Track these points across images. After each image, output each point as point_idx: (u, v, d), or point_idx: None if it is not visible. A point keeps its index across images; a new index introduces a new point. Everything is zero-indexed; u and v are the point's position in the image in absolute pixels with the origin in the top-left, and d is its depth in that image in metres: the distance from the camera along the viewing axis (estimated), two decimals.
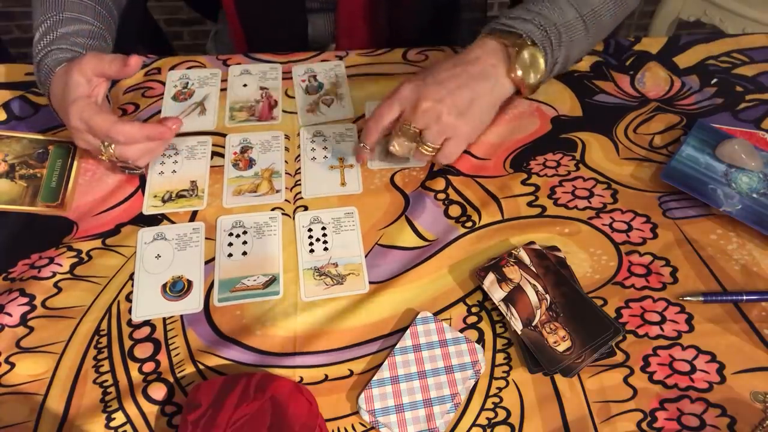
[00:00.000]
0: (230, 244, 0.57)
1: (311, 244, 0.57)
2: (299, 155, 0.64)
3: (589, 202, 0.60)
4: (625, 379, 0.49)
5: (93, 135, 0.56)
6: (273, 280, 0.55)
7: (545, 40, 0.58)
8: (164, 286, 0.54)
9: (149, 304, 0.53)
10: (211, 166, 0.63)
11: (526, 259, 0.54)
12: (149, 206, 0.60)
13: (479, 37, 0.61)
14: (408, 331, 0.50)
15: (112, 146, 0.56)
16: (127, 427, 0.46)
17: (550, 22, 0.58)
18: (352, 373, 0.50)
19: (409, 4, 0.76)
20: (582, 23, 0.60)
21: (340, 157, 0.64)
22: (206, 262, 0.56)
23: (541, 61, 0.58)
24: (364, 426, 0.47)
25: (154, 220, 0.59)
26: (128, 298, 0.53)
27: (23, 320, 0.52)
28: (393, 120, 0.58)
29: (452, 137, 0.57)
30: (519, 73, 0.57)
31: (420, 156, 0.59)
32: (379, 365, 0.49)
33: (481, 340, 0.51)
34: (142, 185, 0.61)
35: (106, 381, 0.49)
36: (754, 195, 0.58)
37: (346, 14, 0.77)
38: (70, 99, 0.55)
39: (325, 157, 0.64)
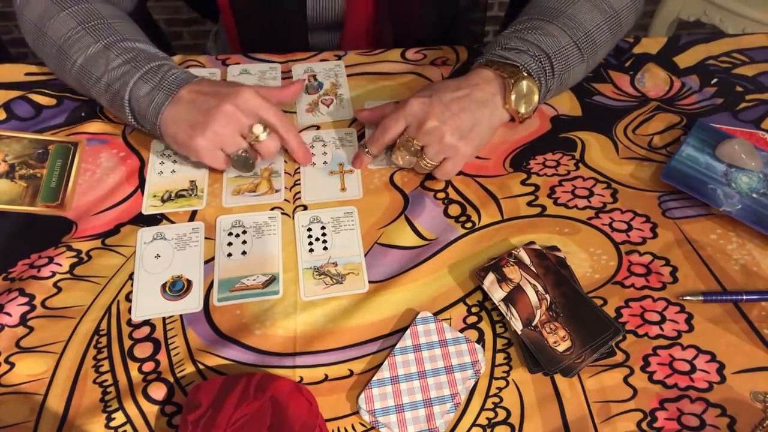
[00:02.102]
0: (230, 244, 0.57)
1: (311, 243, 0.57)
2: None
3: (589, 202, 0.60)
4: (625, 379, 0.49)
5: (265, 101, 0.58)
6: (272, 279, 0.55)
7: (540, 72, 0.59)
8: (164, 285, 0.54)
9: (149, 304, 0.53)
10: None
11: (526, 259, 0.54)
12: (148, 206, 0.59)
13: (476, 65, 0.62)
14: (408, 331, 0.50)
15: (264, 133, 0.57)
16: (127, 427, 0.46)
17: (544, 52, 0.60)
18: (352, 373, 0.50)
19: (415, 26, 0.77)
20: (576, 48, 0.61)
21: (340, 163, 0.64)
22: (206, 262, 0.56)
23: (536, 91, 0.59)
24: (364, 426, 0.47)
25: (154, 220, 0.58)
26: (128, 298, 0.53)
27: (23, 320, 0.52)
28: (398, 133, 0.59)
29: (451, 157, 0.58)
30: (514, 104, 0.59)
31: (419, 169, 0.61)
32: (379, 365, 0.49)
33: (481, 340, 0.51)
34: (141, 185, 0.61)
35: (106, 381, 0.49)
36: (754, 195, 0.58)
37: (351, 34, 0.79)
38: (237, 85, 0.58)
39: (325, 162, 0.64)
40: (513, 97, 0.58)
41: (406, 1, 0.76)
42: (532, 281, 0.53)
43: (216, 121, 0.55)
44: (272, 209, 0.60)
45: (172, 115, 0.57)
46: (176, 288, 0.54)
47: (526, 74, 0.58)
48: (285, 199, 0.61)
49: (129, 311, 0.52)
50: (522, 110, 0.59)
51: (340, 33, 0.80)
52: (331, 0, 0.76)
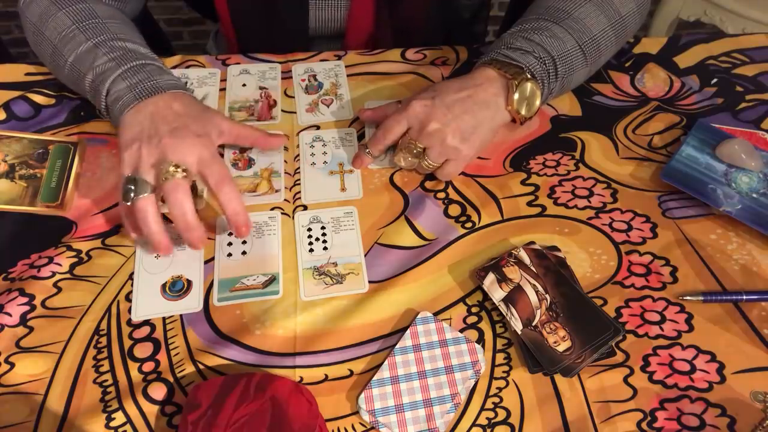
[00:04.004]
0: (230, 244, 0.57)
1: (311, 243, 0.57)
2: (298, 155, 0.64)
3: (589, 202, 0.60)
4: (625, 379, 0.49)
5: (232, 140, 0.59)
6: (272, 279, 0.55)
7: (544, 74, 0.59)
8: (164, 285, 0.54)
9: (149, 304, 0.53)
10: None
11: (526, 259, 0.54)
12: None
13: (479, 63, 0.62)
14: (408, 331, 0.50)
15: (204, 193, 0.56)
16: (127, 427, 0.46)
17: (549, 55, 0.59)
18: (352, 373, 0.50)
19: (417, 34, 0.77)
20: (581, 52, 0.61)
21: (340, 163, 0.64)
22: (206, 262, 0.56)
23: (538, 94, 0.59)
24: (364, 426, 0.47)
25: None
26: (128, 298, 0.53)
27: (23, 320, 0.52)
28: (400, 135, 0.60)
29: (453, 159, 0.58)
30: (516, 105, 0.59)
31: (421, 170, 0.61)
32: (379, 365, 0.49)
33: (481, 340, 0.51)
34: None
35: (106, 381, 0.49)
36: (754, 195, 0.58)
37: (352, 44, 0.79)
38: (212, 112, 0.58)
39: (325, 162, 0.64)
40: (515, 98, 0.58)
41: (407, 11, 0.76)
42: (532, 281, 0.53)
43: (147, 152, 0.52)
44: (272, 209, 0.60)
45: (131, 118, 0.55)
46: (176, 288, 0.54)
47: (529, 76, 0.58)
48: (285, 199, 0.61)
49: (129, 311, 0.52)
50: (523, 112, 0.59)
51: (342, 43, 0.80)
52: (332, 11, 0.76)
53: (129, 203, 0.51)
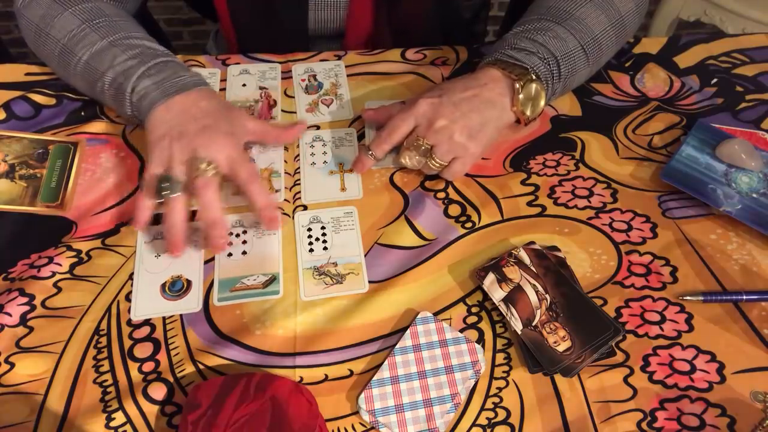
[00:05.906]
0: (230, 244, 0.57)
1: (311, 243, 0.57)
2: (298, 155, 0.64)
3: (589, 202, 0.60)
4: (625, 379, 0.49)
5: (257, 138, 0.60)
6: (273, 279, 0.55)
7: (548, 74, 0.59)
8: (164, 285, 0.54)
9: (149, 304, 0.53)
10: None
11: (526, 259, 0.54)
12: None
13: (483, 63, 0.62)
14: (408, 331, 0.50)
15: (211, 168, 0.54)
16: (127, 427, 0.46)
17: (553, 55, 0.59)
18: (352, 373, 0.50)
19: (416, 35, 0.77)
20: (583, 52, 0.61)
21: (340, 163, 0.64)
22: (206, 262, 0.56)
23: (543, 95, 0.59)
24: (364, 426, 0.47)
25: (154, 220, 0.58)
26: (128, 298, 0.53)
27: (23, 320, 0.52)
28: (406, 133, 0.59)
29: (460, 157, 0.58)
30: (521, 106, 0.59)
31: (427, 170, 0.61)
32: (379, 365, 0.49)
33: (481, 340, 0.51)
34: (141, 185, 0.61)
35: (106, 381, 0.49)
36: (754, 195, 0.58)
37: (351, 44, 0.79)
38: (237, 110, 0.60)
39: (325, 162, 0.64)
40: (521, 99, 0.58)
41: (406, 11, 0.76)
42: (532, 281, 0.53)
43: (178, 149, 0.54)
44: None
45: (159, 116, 0.56)
46: (176, 288, 0.54)
47: (534, 77, 0.58)
48: (285, 199, 0.61)
49: (129, 311, 0.52)
50: (528, 113, 0.59)
51: (341, 43, 0.80)
52: (332, 12, 0.77)
53: (161, 201, 0.53)
